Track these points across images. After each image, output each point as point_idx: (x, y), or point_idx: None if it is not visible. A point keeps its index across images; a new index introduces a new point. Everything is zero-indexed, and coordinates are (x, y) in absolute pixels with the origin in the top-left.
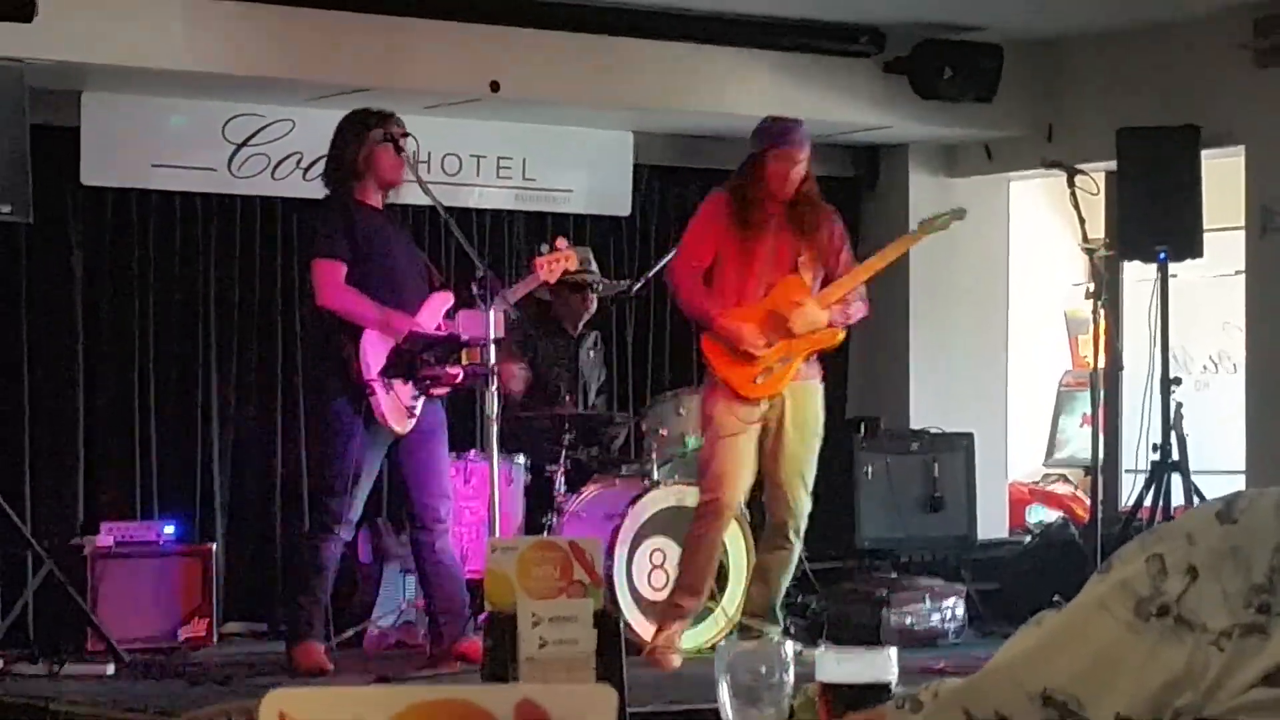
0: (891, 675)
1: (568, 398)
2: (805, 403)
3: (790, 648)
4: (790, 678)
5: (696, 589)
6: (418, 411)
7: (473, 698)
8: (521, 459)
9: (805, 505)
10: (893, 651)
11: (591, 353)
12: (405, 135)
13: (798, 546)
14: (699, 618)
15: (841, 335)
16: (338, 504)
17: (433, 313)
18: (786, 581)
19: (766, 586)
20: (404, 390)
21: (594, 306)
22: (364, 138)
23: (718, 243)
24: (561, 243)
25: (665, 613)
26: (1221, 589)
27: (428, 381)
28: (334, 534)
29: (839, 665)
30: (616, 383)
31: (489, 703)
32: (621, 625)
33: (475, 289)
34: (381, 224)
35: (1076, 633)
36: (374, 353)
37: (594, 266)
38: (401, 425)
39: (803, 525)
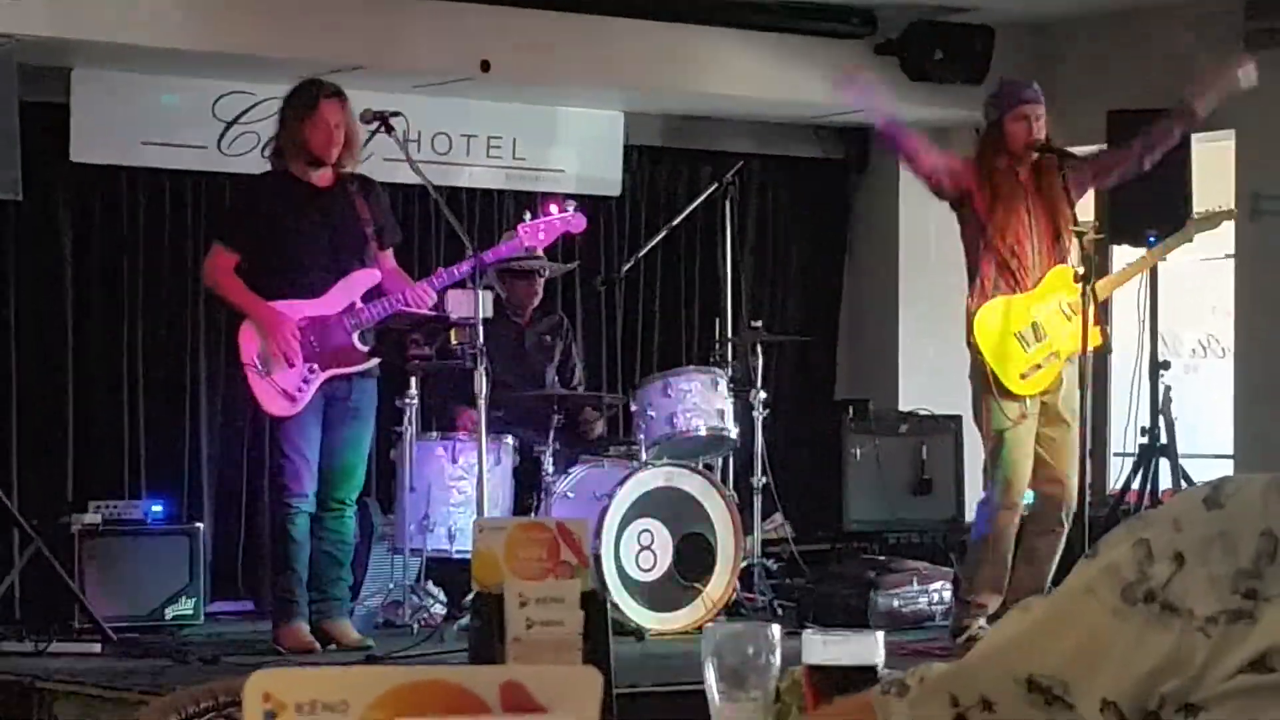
0: (878, 658)
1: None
2: (1074, 388)
3: (777, 630)
4: (777, 660)
5: (1001, 587)
6: (303, 395)
7: (458, 679)
8: (510, 439)
9: (1075, 488)
10: (879, 634)
11: (547, 338)
12: (342, 101)
13: (1067, 529)
14: (687, 600)
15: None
16: (285, 477)
17: (346, 291)
18: (1054, 566)
19: (1038, 570)
20: (287, 375)
21: (540, 292)
22: (304, 110)
23: None
24: (558, 207)
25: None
26: (1208, 574)
27: (416, 361)
28: (291, 507)
29: (825, 648)
30: (605, 365)
31: (474, 684)
32: (609, 606)
33: (466, 269)
34: (307, 201)
35: (1063, 618)
36: (247, 336)
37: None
38: (280, 409)
39: (1074, 508)
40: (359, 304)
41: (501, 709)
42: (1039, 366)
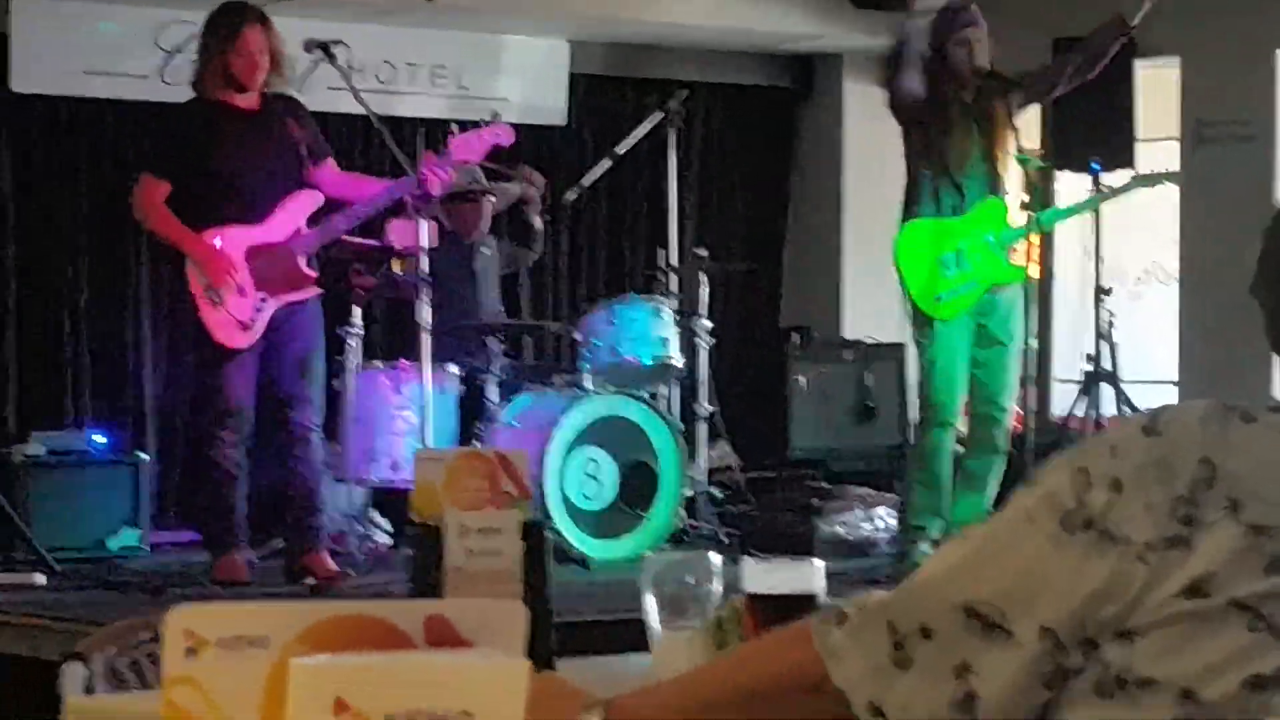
0: (818, 587)
1: (469, 304)
2: (1011, 311)
3: (717, 559)
4: (717, 589)
5: (941, 510)
6: (257, 324)
7: (381, 613)
8: (454, 368)
9: (1012, 410)
10: (819, 563)
11: (488, 259)
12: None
13: (1005, 452)
14: (632, 528)
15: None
16: (217, 417)
17: (290, 215)
18: (995, 489)
19: (977, 493)
20: (240, 304)
21: (488, 214)
22: (227, 39)
23: None
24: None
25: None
26: (1146, 501)
27: (358, 290)
28: (220, 439)
29: (765, 576)
30: (551, 293)
31: (398, 618)
32: (549, 536)
33: (409, 199)
34: (236, 126)
35: (1001, 545)
36: (196, 266)
37: (481, 177)
38: (233, 340)
39: (1010, 430)
40: (304, 228)
41: (426, 642)
42: (955, 292)
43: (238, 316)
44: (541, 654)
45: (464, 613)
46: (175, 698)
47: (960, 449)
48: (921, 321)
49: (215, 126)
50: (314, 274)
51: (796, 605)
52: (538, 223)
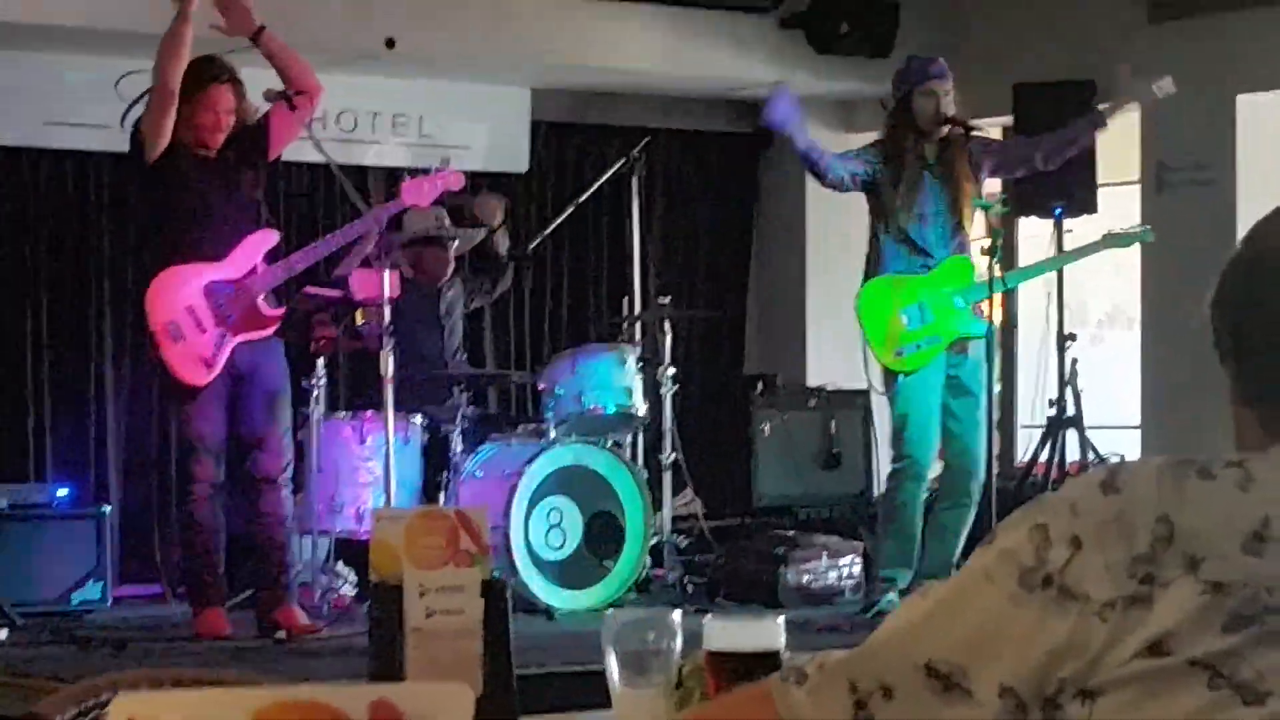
0: (779, 643)
1: (437, 354)
2: (980, 362)
3: (678, 616)
4: (678, 646)
5: (910, 560)
6: (218, 361)
7: (326, 698)
8: (418, 418)
9: (983, 460)
10: (780, 620)
11: (454, 308)
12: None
13: (976, 502)
14: (597, 578)
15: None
16: (190, 464)
17: (247, 253)
18: (963, 540)
19: (947, 544)
20: (201, 340)
21: (451, 261)
22: (193, 89)
23: None
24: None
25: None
26: (1105, 560)
27: (322, 341)
28: (193, 495)
29: (726, 634)
30: (513, 342)
31: (343, 703)
32: (510, 592)
33: (372, 248)
34: (197, 170)
35: (961, 603)
36: (158, 302)
37: (448, 223)
38: (195, 377)
39: (982, 482)
40: (261, 265)
41: None
42: (918, 346)
43: (199, 351)
44: (503, 713)
45: (410, 696)
46: None
47: (931, 492)
48: (889, 377)
49: (176, 168)
50: (274, 312)
51: (758, 663)
52: (504, 248)
